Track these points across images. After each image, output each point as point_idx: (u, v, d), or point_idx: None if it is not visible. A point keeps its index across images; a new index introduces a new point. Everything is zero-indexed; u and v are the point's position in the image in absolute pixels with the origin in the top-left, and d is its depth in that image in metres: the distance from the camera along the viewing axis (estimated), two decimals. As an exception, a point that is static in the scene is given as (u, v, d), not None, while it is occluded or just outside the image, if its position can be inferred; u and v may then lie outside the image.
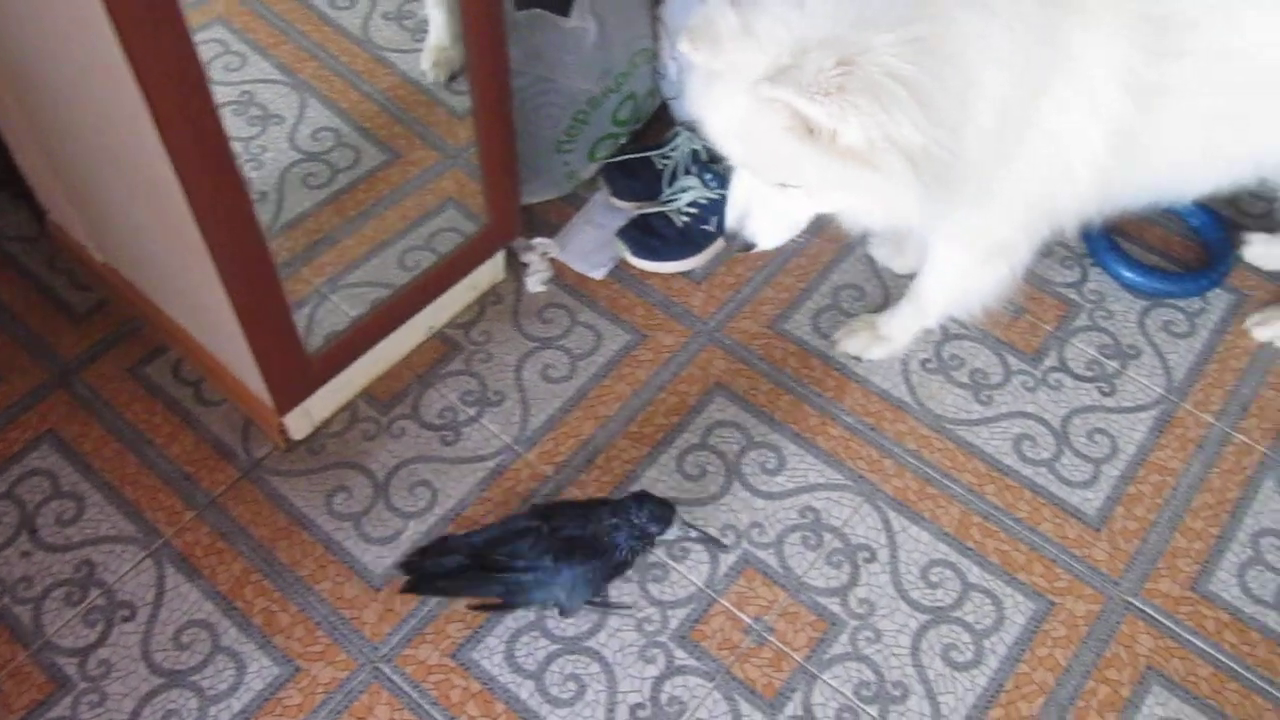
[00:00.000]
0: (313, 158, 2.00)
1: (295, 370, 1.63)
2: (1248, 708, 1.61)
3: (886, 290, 2.03)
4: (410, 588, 1.60)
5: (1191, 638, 1.67)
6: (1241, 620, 1.69)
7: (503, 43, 1.57)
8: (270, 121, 2.03)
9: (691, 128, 2.01)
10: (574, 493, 1.76)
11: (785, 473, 1.79)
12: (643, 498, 1.57)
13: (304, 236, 1.91)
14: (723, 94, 1.30)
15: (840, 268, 2.06)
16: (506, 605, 1.61)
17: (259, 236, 1.40)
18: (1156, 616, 1.69)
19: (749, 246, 1.51)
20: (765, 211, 1.47)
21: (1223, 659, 1.65)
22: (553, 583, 1.54)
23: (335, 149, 2.01)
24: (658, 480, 1.77)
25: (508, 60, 1.61)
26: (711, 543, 1.68)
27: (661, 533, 1.56)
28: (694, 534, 1.63)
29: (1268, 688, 1.63)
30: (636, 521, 1.55)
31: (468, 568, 1.57)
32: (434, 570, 1.59)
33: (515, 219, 1.91)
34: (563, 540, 1.54)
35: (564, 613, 1.61)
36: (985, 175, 1.39)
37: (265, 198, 1.95)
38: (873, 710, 1.58)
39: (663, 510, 1.55)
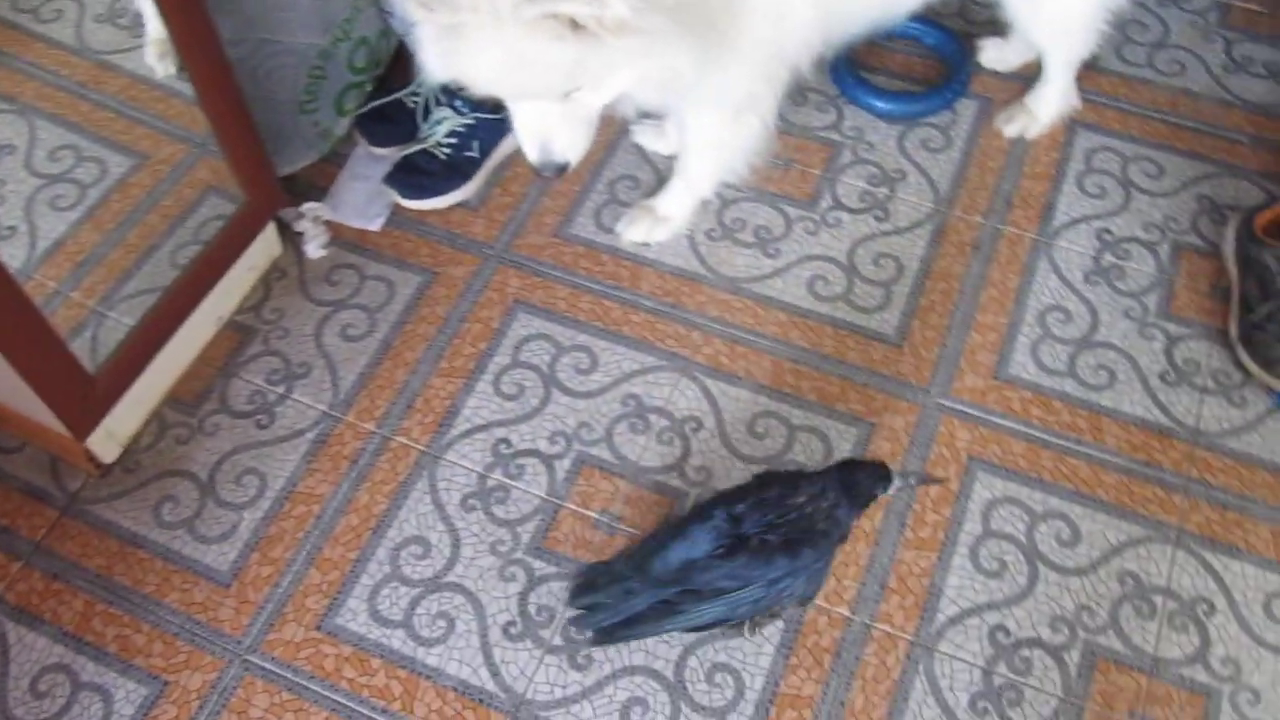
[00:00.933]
0: (56, 180, 1.92)
1: (80, 395, 1.58)
2: (1063, 470, 1.73)
3: (659, 173, 2.06)
4: (605, 639, 1.55)
5: (1002, 421, 1.78)
6: (1042, 394, 1.81)
7: (203, 15, 1.53)
8: (1, 154, 1.94)
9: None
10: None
11: (600, 369, 1.83)
12: (852, 467, 1.50)
13: (67, 261, 1.85)
14: (477, 41, 1.30)
15: (610, 164, 2.09)
16: (726, 624, 1.53)
17: (6, 276, 1.35)
18: (968, 411, 1.79)
19: (564, 168, 1.54)
20: (563, 127, 1.48)
21: (1034, 433, 1.77)
22: (781, 584, 1.44)
23: (78, 166, 1.94)
24: (480, 408, 1.78)
25: (214, 32, 1.57)
26: (932, 482, 1.69)
27: (886, 490, 1.50)
28: (913, 480, 1.62)
29: (1076, 447, 1.75)
30: (861, 492, 1.48)
31: (662, 606, 1.46)
32: (618, 624, 1.51)
33: (274, 191, 1.87)
34: (785, 542, 1.42)
35: (805, 602, 1.58)
36: (726, 21, 1.44)
37: (15, 232, 1.87)
38: (729, 565, 1.64)
39: (880, 469, 1.49)
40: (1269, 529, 1.68)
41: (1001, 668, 1.57)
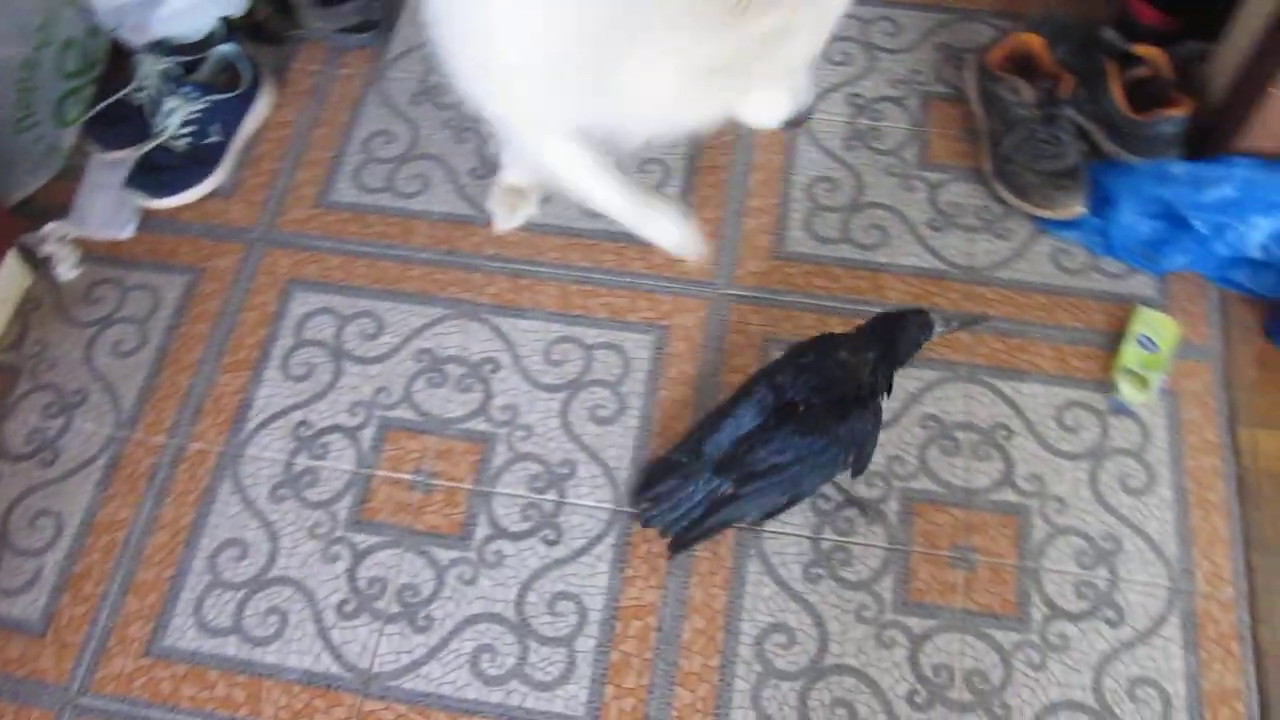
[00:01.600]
0: None
1: None
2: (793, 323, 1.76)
3: (414, 127, 2.01)
4: (678, 549, 1.54)
5: (789, 297, 1.80)
6: (821, 263, 1.84)
7: None
8: None
9: (155, 49, 1.90)
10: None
11: (388, 331, 1.79)
12: (890, 320, 1.44)
13: None
14: None
15: (359, 123, 2.02)
16: (793, 502, 1.52)
17: None
18: (754, 294, 1.81)
19: None
20: None
21: (817, 302, 1.80)
22: (833, 450, 1.43)
23: None
24: (272, 396, 1.73)
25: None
26: (973, 323, 1.62)
27: (929, 337, 1.44)
28: (955, 324, 1.53)
29: (862, 308, 1.79)
30: (904, 344, 1.43)
31: (722, 496, 1.46)
32: (686, 524, 1.50)
33: (7, 219, 1.77)
34: (829, 406, 1.40)
35: (858, 471, 1.52)
36: None
37: None
38: (551, 495, 1.64)
39: (920, 317, 1.43)
40: (1049, 347, 1.76)
41: (827, 532, 1.61)
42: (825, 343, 1.45)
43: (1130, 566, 1.60)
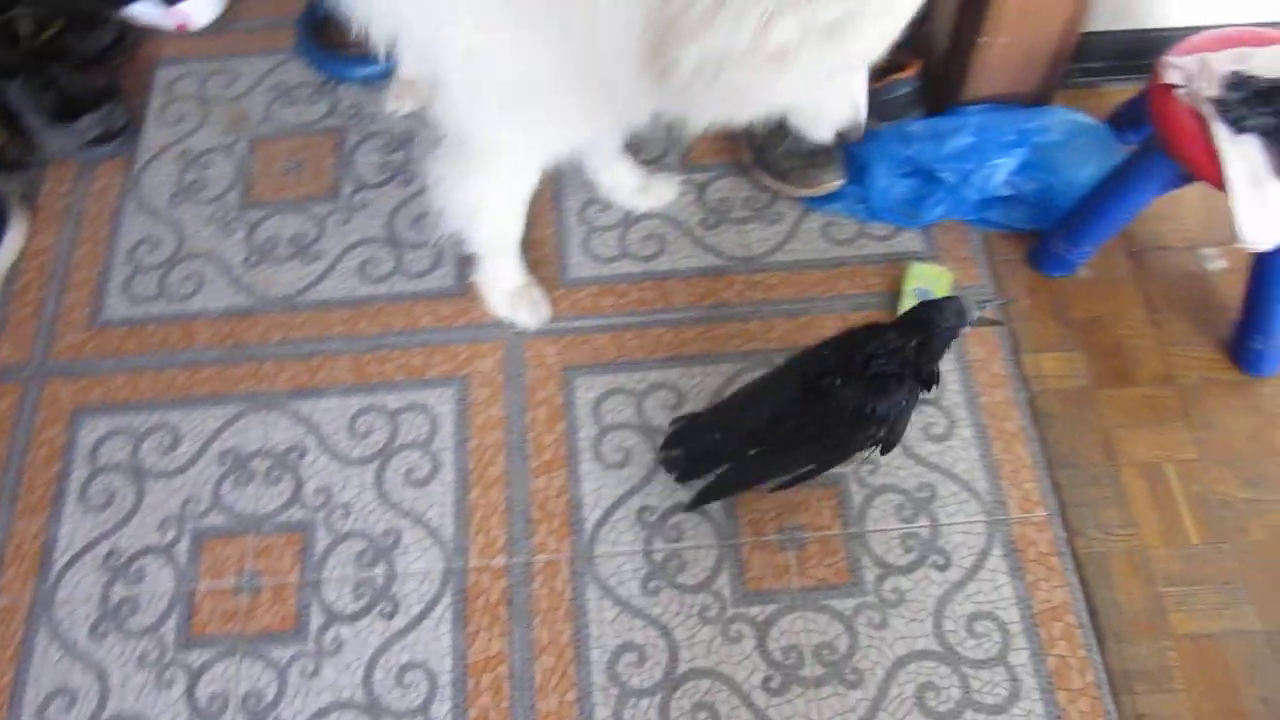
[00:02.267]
0: None
1: None
2: (649, 341, 1.80)
3: (178, 228, 1.96)
4: (701, 501, 1.60)
5: (581, 322, 1.82)
6: (606, 284, 1.86)
7: None
8: None
9: None
10: None
11: (185, 439, 1.75)
12: (929, 307, 1.42)
13: None
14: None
15: (121, 235, 1.97)
16: (817, 472, 1.55)
17: None
18: (550, 327, 1.82)
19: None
20: None
21: (611, 321, 1.82)
22: (867, 427, 1.43)
23: None
24: (75, 532, 1.67)
25: None
26: (1002, 307, 1.58)
27: (965, 323, 1.43)
28: (985, 306, 1.48)
29: (653, 318, 1.82)
30: (942, 331, 1.42)
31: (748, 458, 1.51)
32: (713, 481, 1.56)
33: None
34: (868, 381, 1.40)
35: (888, 448, 1.52)
36: None
37: None
38: (380, 568, 1.62)
39: (956, 303, 1.42)
40: (834, 318, 1.82)
41: (658, 543, 1.63)
42: (871, 329, 1.46)
43: (949, 510, 1.65)
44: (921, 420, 1.72)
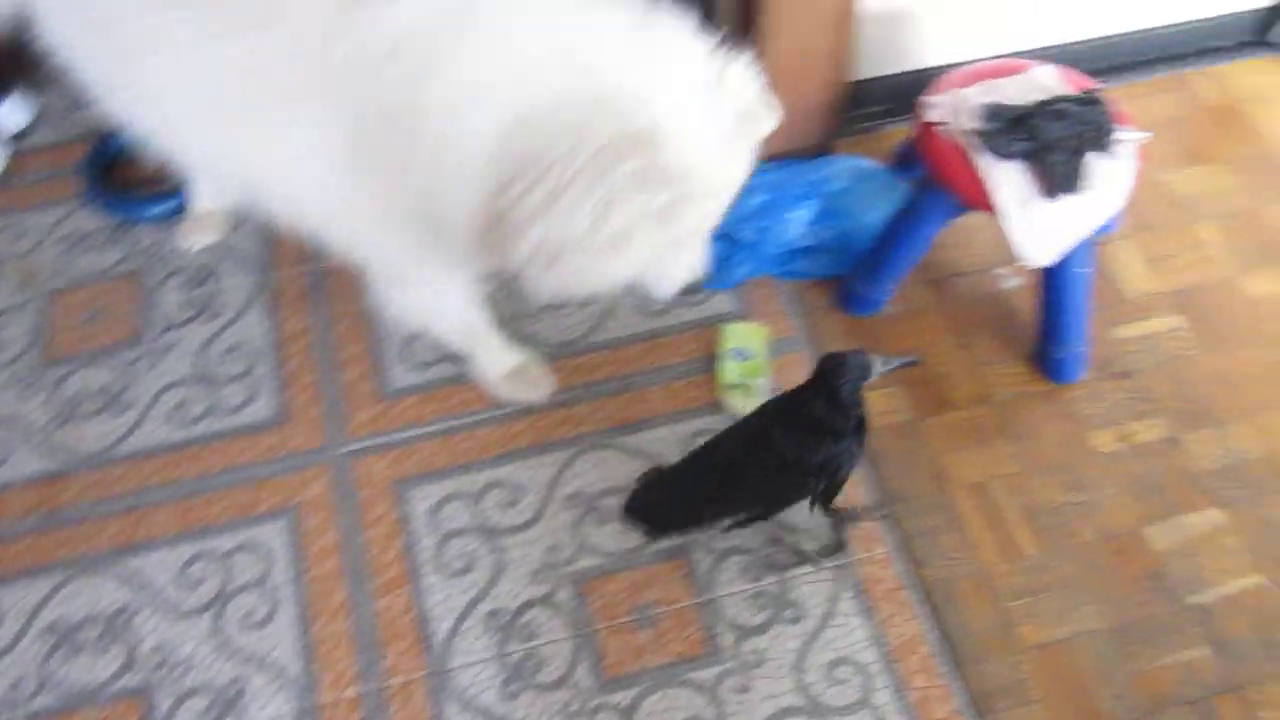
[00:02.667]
0: None
1: None
2: (478, 441, 1.80)
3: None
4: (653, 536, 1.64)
5: (408, 433, 1.79)
6: (427, 390, 1.84)
7: None
8: None
9: None
10: None
11: (5, 620, 1.66)
12: (831, 365, 1.44)
13: None
14: (705, 190, 1.31)
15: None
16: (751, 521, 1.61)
17: None
18: (373, 442, 1.78)
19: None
20: None
21: (437, 426, 1.80)
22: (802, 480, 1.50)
23: None
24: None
25: None
26: (910, 365, 1.54)
27: (869, 377, 1.45)
28: (895, 365, 1.50)
29: (479, 417, 1.81)
30: (844, 390, 1.44)
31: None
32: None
33: None
34: (806, 432, 1.45)
35: (828, 499, 1.57)
36: None
37: None
38: (228, 721, 1.55)
39: (861, 358, 1.44)
40: (659, 389, 1.83)
41: (512, 645, 1.60)
42: (799, 389, 1.50)
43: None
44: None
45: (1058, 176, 1.62)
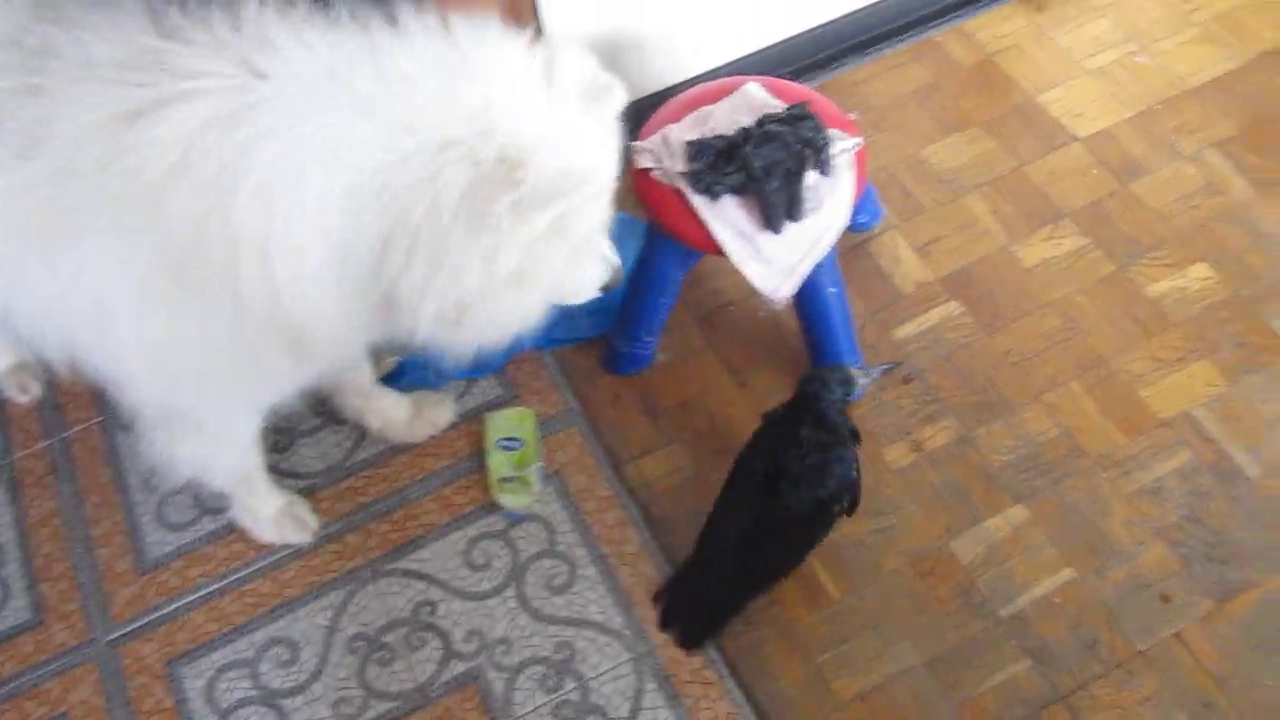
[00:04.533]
0: None
1: None
2: (248, 599, 1.71)
3: None
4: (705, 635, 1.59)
5: (175, 604, 1.68)
6: (189, 553, 1.71)
7: None
8: None
9: None
10: None
11: None
12: (813, 386, 1.46)
13: None
14: None
15: None
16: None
17: None
18: (139, 624, 1.66)
19: None
20: None
21: (204, 592, 1.69)
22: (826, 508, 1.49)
23: None
24: None
25: None
26: (890, 369, 1.58)
27: (852, 392, 1.49)
28: (877, 374, 1.56)
29: (247, 570, 1.71)
30: (826, 408, 1.46)
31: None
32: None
33: None
34: (809, 470, 1.44)
35: (853, 509, 1.55)
36: None
37: None
38: None
39: (842, 373, 1.46)
40: (431, 499, 1.75)
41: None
42: (771, 426, 1.51)
43: (592, 661, 1.56)
44: (542, 575, 1.63)
45: (777, 205, 1.53)
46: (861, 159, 1.59)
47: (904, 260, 1.91)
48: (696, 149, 1.58)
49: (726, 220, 1.56)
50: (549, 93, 1.17)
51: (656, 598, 1.63)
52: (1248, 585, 1.57)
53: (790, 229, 1.55)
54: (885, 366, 1.57)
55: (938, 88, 2.12)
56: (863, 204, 1.89)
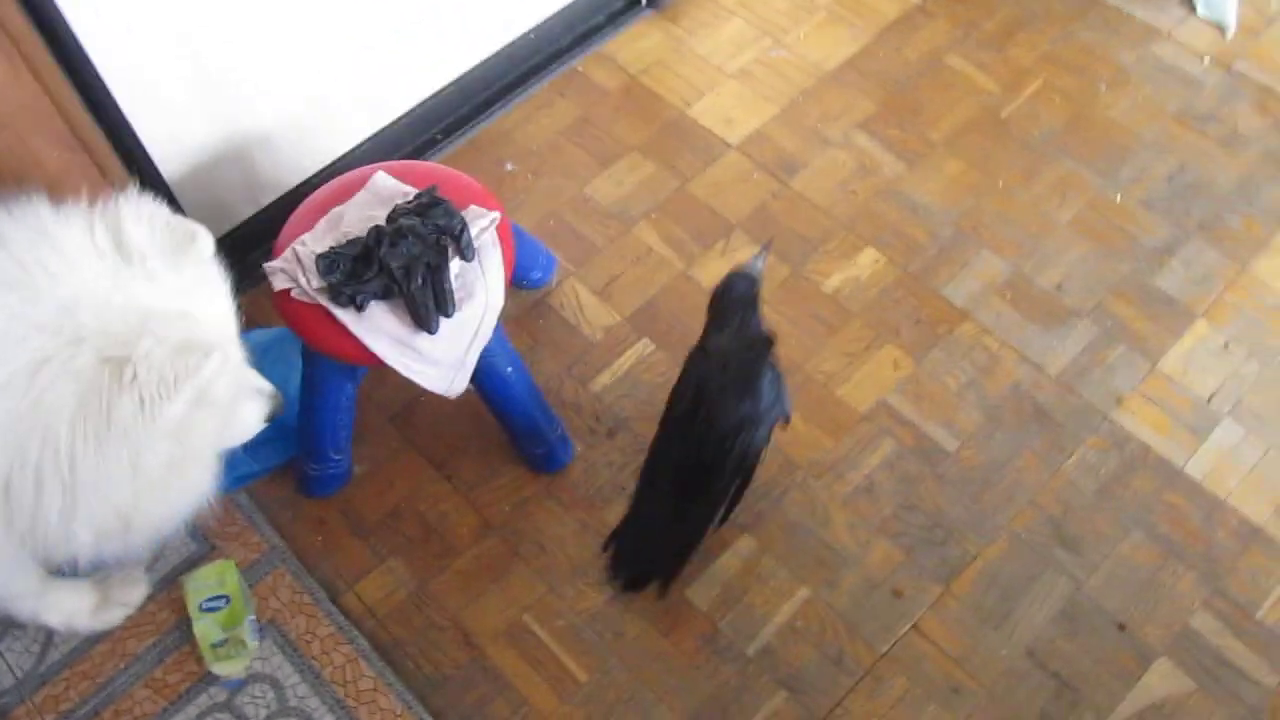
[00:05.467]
0: None
1: None
2: None
3: None
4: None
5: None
6: None
7: None
8: None
9: None
10: None
11: None
12: (725, 297, 1.48)
13: None
14: None
15: None
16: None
17: None
18: None
19: None
20: None
21: None
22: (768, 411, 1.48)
23: None
24: None
25: None
26: (767, 247, 1.56)
27: (757, 278, 1.49)
28: (763, 256, 1.53)
29: None
30: (743, 295, 1.48)
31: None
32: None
33: None
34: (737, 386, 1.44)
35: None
36: None
37: None
38: None
39: (742, 277, 1.47)
40: (140, 688, 1.55)
41: None
42: (698, 351, 1.50)
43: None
44: (281, 741, 1.51)
45: (426, 304, 1.44)
46: (505, 231, 1.53)
47: (587, 307, 1.86)
48: (329, 261, 1.48)
49: (378, 330, 1.47)
50: (130, 269, 1.08)
51: (605, 547, 1.62)
52: (966, 560, 1.61)
53: (446, 324, 1.46)
54: (764, 249, 1.59)
55: (588, 120, 2.08)
56: (531, 261, 1.84)
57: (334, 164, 1.92)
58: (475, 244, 1.51)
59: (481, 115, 2.08)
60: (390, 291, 1.48)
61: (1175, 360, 1.78)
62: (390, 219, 1.52)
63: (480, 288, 1.51)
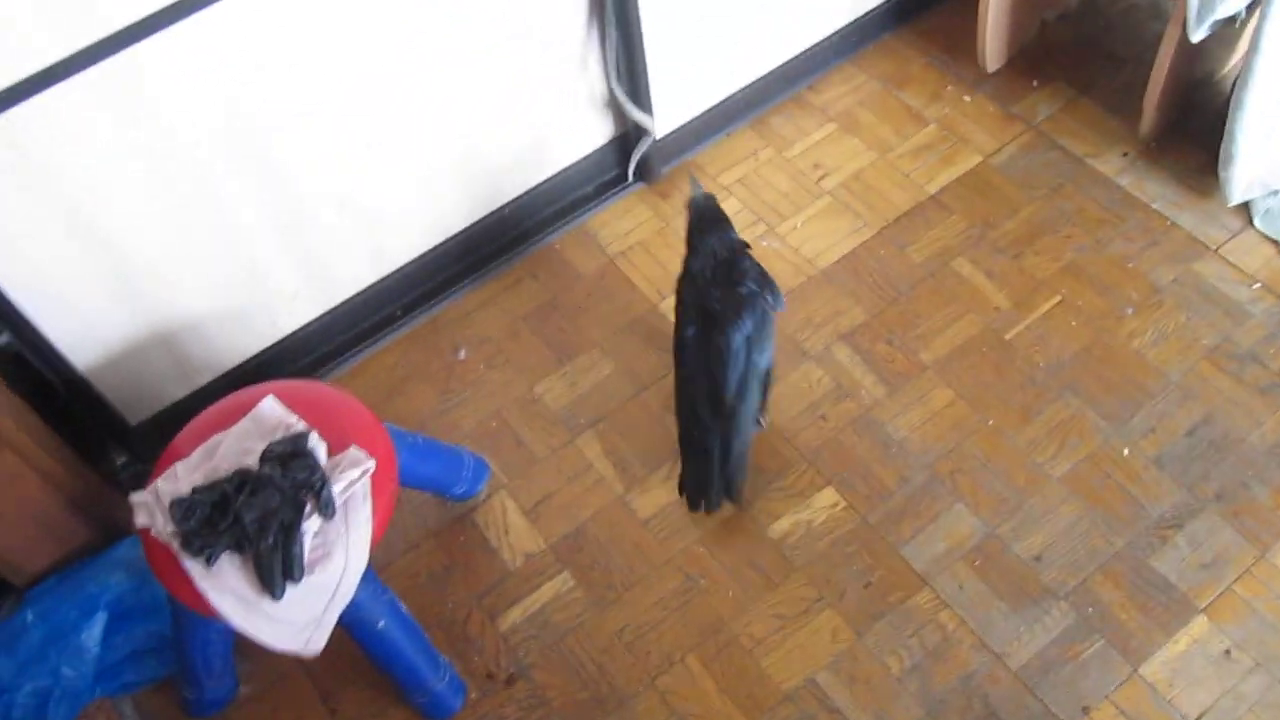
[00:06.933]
0: None
1: None
2: None
3: None
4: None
5: None
6: None
7: None
8: None
9: None
10: None
11: None
12: (696, 220, 1.67)
13: None
14: None
15: None
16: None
17: None
18: None
19: None
20: None
21: None
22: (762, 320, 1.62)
23: None
24: None
25: None
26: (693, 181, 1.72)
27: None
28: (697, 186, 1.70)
29: None
30: (704, 209, 1.72)
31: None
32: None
33: None
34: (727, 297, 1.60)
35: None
36: None
37: None
38: None
39: (695, 200, 1.67)
40: None
41: None
42: (684, 276, 1.65)
43: None
44: None
45: (272, 567, 1.33)
46: (382, 484, 1.40)
47: (513, 528, 1.72)
48: (185, 508, 1.38)
49: (224, 588, 1.36)
50: None
51: (680, 491, 1.72)
52: None
53: (297, 589, 1.34)
54: (694, 183, 1.73)
55: (555, 306, 1.94)
56: (454, 477, 1.72)
57: (280, 342, 1.84)
58: (340, 499, 1.38)
59: (450, 290, 1.96)
60: (243, 546, 1.36)
61: (1163, 665, 1.53)
62: (263, 457, 1.41)
63: (340, 547, 1.38)
